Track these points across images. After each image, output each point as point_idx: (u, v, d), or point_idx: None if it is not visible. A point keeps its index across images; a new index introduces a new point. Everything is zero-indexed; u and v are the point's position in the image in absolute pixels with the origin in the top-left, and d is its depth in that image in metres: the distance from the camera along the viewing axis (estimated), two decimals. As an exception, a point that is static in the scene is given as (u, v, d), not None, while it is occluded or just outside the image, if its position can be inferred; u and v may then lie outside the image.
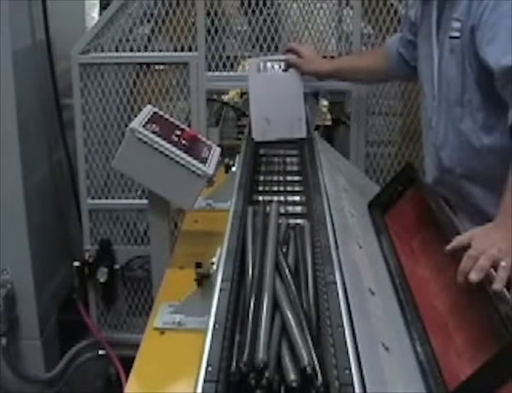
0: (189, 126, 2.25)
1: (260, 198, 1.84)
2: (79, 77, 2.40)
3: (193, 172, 1.71)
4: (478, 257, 1.26)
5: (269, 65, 2.18)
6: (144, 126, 1.72)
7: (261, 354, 1.03)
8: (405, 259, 1.53)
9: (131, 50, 2.40)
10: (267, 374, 1.01)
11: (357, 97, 2.39)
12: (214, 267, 1.41)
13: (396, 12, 2.31)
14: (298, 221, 1.66)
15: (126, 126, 1.76)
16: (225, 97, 2.93)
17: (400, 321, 1.31)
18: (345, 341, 1.06)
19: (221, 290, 1.24)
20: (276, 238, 1.43)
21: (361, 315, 1.17)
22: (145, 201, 2.07)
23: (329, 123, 2.74)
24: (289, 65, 2.17)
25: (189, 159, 1.71)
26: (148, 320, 1.49)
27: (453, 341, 1.26)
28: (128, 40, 2.39)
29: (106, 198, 2.51)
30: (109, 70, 2.41)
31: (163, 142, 1.70)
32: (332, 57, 2.34)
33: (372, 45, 2.35)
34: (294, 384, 1.01)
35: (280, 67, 2.18)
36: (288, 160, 2.19)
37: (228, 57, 2.40)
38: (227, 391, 1.01)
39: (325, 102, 2.76)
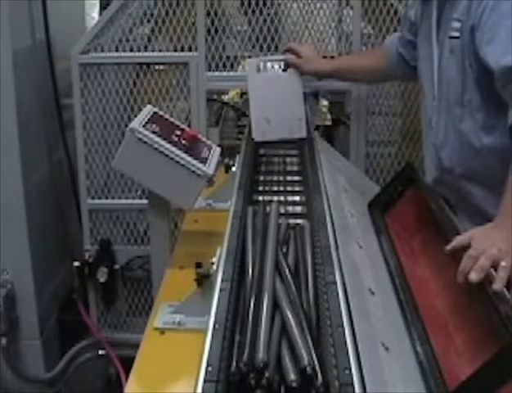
0: (189, 126, 2.25)
1: (260, 198, 1.84)
2: (79, 77, 2.40)
3: (193, 172, 1.71)
4: (478, 257, 1.26)
5: (269, 65, 2.18)
6: (144, 126, 1.72)
7: (261, 354, 1.03)
8: (405, 259, 1.53)
9: (131, 50, 2.40)
10: (267, 374, 1.01)
11: (356, 97, 2.39)
12: (214, 267, 1.41)
13: (396, 12, 2.31)
14: (298, 221, 1.66)
15: (126, 126, 1.76)
16: (225, 97, 2.93)
17: (400, 321, 1.31)
18: (345, 341, 1.06)
19: (221, 290, 1.24)
20: (276, 238, 1.43)
21: (361, 315, 1.17)
22: (145, 201, 2.07)
23: (329, 123, 2.73)
24: (288, 65, 2.17)
25: (189, 159, 1.71)
26: (148, 320, 1.49)
27: (453, 341, 1.26)
28: (128, 40, 2.39)
29: (106, 198, 2.51)
30: (109, 70, 2.41)
31: (163, 142, 1.70)
32: (332, 57, 2.34)
33: (372, 45, 2.35)
34: (294, 384, 1.01)
35: (279, 67, 2.17)
36: (288, 160, 2.19)
37: (228, 57, 2.40)
38: (227, 391, 1.01)
39: (325, 102, 2.76)
